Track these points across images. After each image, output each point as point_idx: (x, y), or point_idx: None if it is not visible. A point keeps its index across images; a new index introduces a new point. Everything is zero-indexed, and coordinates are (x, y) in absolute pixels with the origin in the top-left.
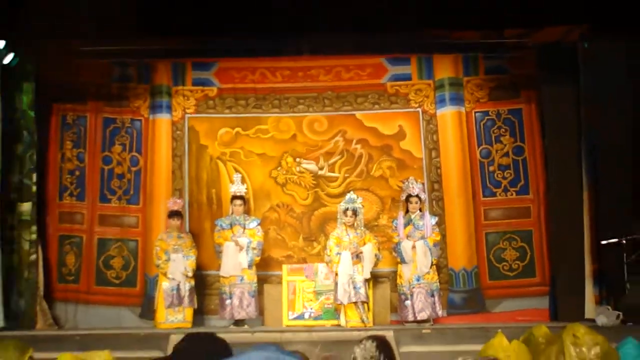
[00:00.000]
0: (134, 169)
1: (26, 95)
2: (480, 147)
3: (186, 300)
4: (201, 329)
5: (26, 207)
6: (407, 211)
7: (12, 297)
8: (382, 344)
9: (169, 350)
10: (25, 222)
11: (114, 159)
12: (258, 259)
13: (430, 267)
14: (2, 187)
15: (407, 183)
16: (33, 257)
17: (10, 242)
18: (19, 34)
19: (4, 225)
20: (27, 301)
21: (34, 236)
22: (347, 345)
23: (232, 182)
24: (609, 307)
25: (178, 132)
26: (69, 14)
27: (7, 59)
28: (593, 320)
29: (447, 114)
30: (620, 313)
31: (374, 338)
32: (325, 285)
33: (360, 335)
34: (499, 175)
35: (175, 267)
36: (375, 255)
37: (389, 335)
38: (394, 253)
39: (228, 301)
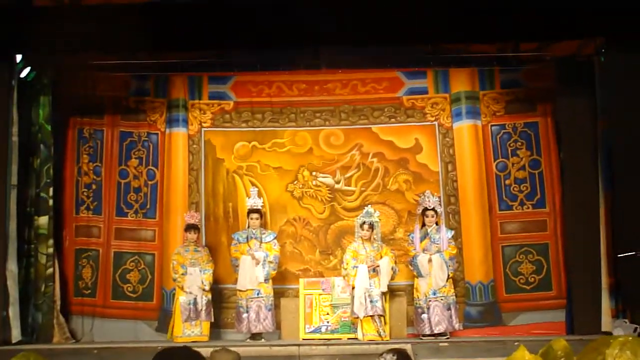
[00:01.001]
0: (150, 182)
1: (43, 109)
2: (497, 161)
3: (203, 313)
4: (218, 343)
5: (43, 220)
6: (423, 225)
7: (29, 310)
8: (403, 357)
9: None
10: (42, 236)
11: (131, 173)
12: (274, 272)
13: (447, 281)
14: (19, 201)
15: (423, 196)
16: (50, 270)
17: (27, 255)
18: (36, 48)
19: (21, 239)
20: (44, 315)
21: (50, 250)
22: (364, 359)
23: (248, 195)
24: (626, 321)
25: (194, 146)
26: (85, 28)
27: (24, 73)
28: (609, 334)
29: (464, 128)
30: (638, 327)
31: (394, 351)
32: (342, 298)
33: (377, 349)
34: (515, 189)
35: (192, 280)
36: (392, 269)
37: (407, 348)
38: (410, 267)
39: (245, 315)
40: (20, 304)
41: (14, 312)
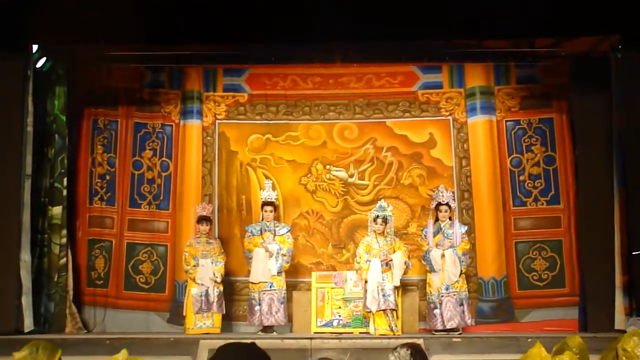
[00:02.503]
0: (164, 174)
1: (58, 99)
2: (511, 156)
3: (215, 305)
4: (230, 335)
5: (57, 210)
6: (436, 219)
7: (42, 300)
8: (417, 352)
9: (199, 356)
10: (55, 226)
11: (145, 164)
12: (288, 265)
13: (460, 276)
14: (33, 191)
15: (437, 191)
16: (63, 261)
17: (40, 245)
18: (51, 39)
19: (34, 229)
20: (57, 305)
21: (64, 240)
22: (376, 353)
23: (262, 188)
24: None
25: (208, 138)
26: (100, 19)
27: (40, 63)
28: (623, 332)
29: (478, 123)
30: None
31: (408, 346)
32: (355, 292)
33: (389, 343)
34: (530, 185)
35: (204, 272)
36: (405, 263)
37: (420, 343)
38: (423, 261)
39: (257, 307)
40: (33, 293)
41: (26, 301)
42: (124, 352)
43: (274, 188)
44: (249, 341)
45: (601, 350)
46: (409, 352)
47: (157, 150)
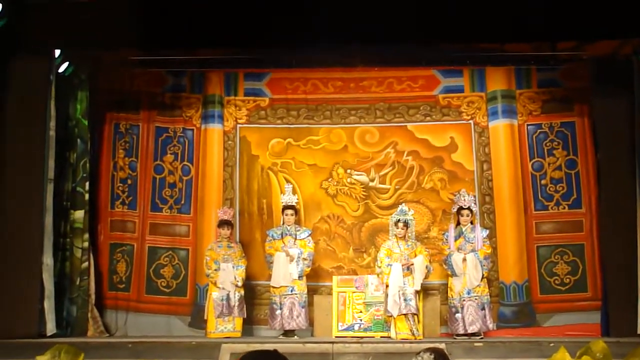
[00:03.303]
0: (185, 178)
1: (80, 104)
2: (533, 160)
3: (236, 310)
4: (251, 339)
5: (79, 215)
6: (458, 224)
7: (64, 304)
8: (440, 356)
9: None
10: (77, 230)
11: (166, 168)
12: (309, 269)
13: (481, 280)
14: (56, 195)
15: (458, 195)
16: (85, 264)
17: (62, 249)
18: (74, 43)
19: (56, 233)
20: (79, 308)
21: (86, 244)
22: (398, 357)
23: (283, 192)
24: None
25: (229, 142)
26: (122, 24)
27: (62, 68)
28: None
29: (500, 127)
30: None
31: (431, 350)
32: (376, 296)
33: (411, 348)
34: (551, 189)
35: (225, 276)
36: (426, 267)
37: (442, 347)
38: (444, 265)
39: (278, 311)
40: (55, 297)
41: (49, 305)
42: None
43: (294, 192)
44: (271, 348)
45: (624, 355)
46: (432, 356)
47: (179, 155)
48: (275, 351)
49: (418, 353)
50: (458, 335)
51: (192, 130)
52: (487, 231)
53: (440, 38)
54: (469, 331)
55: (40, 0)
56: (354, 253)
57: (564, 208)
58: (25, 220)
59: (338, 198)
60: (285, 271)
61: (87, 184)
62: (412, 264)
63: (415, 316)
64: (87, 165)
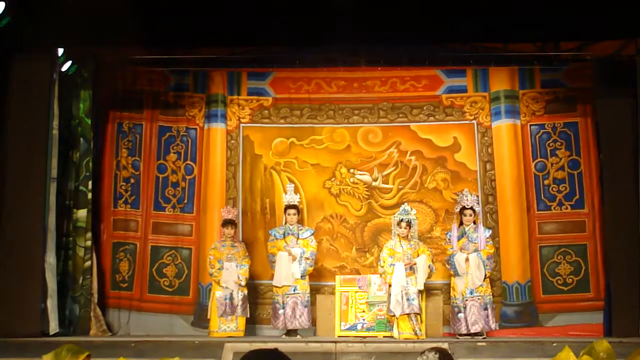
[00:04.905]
0: (188, 177)
1: (83, 103)
2: (536, 161)
3: (239, 309)
4: (253, 339)
5: (82, 214)
6: (460, 223)
7: (67, 303)
8: (444, 356)
9: (224, 359)
10: (80, 229)
11: (169, 167)
12: (311, 269)
13: (484, 280)
14: (59, 194)
15: (461, 195)
16: (88, 263)
17: (65, 248)
18: (77, 42)
19: (59, 232)
20: (82, 307)
21: (88, 243)
22: (401, 357)
23: (285, 191)
24: None
25: (232, 142)
26: (126, 23)
27: (65, 67)
28: None
29: (503, 127)
30: None
31: (436, 350)
32: (378, 296)
33: (414, 347)
34: (554, 189)
35: (229, 275)
36: (429, 267)
37: (444, 347)
38: (447, 265)
39: (281, 311)
40: (58, 296)
41: (52, 304)
42: None
43: (296, 191)
44: (271, 347)
45: (626, 355)
46: (437, 355)
47: (182, 154)
48: (276, 350)
49: (423, 352)
50: (461, 335)
51: (195, 129)
52: (490, 231)
53: (444, 38)
54: (472, 331)
55: None
56: (357, 253)
57: (567, 208)
58: (28, 219)
59: (341, 198)
60: (288, 271)
61: (90, 183)
62: (415, 264)
63: (418, 316)
64: (90, 164)
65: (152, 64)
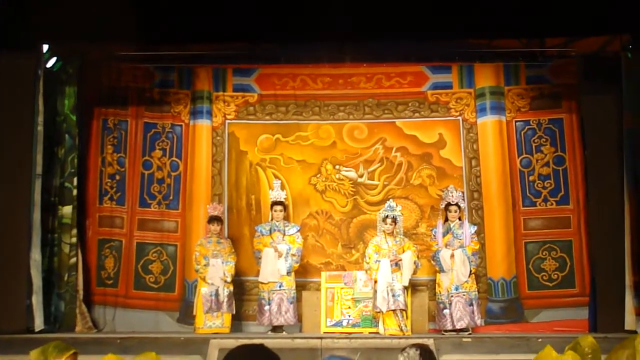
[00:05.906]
0: (173, 173)
1: (68, 99)
2: (521, 157)
3: (225, 305)
4: (239, 335)
5: (67, 210)
6: (446, 220)
7: (52, 299)
8: (426, 352)
9: (209, 355)
10: (65, 226)
11: (154, 164)
12: (297, 265)
13: (469, 276)
14: (44, 190)
15: (446, 191)
16: (73, 260)
17: (50, 245)
18: (62, 39)
19: (45, 228)
20: (67, 304)
21: (74, 239)
22: (386, 353)
23: (271, 188)
24: None
25: (218, 138)
26: (110, 19)
27: (50, 63)
28: (634, 332)
29: (488, 123)
30: None
31: (417, 346)
32: (364, 292)
33: (399, 343)
34: (539, 185)
35: (214, 272)
36: (415, 263)
37: (430, 343)
38: (432, 261)
39: (267, 307)
40: (43, 293)
41: (37, 300)
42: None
43: (283, 188)
44: (257, 342)
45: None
46: (417, 352)
47: (167, 150)
48: (262, 345)
49: (404, 349)
50: (446, 331)
51: (181, 125)
52: (475, 227)
53: (429, 34)
54: (457, 327)
55: None
56: (343, 249)
57: (552, 204)
58: (13, 216)
59: (327, 194)
60: (274, 267)
61: (75, 179)
62: (401, 260)
63: (404, 312)
64: (75, 160)
65: (137, 61)
